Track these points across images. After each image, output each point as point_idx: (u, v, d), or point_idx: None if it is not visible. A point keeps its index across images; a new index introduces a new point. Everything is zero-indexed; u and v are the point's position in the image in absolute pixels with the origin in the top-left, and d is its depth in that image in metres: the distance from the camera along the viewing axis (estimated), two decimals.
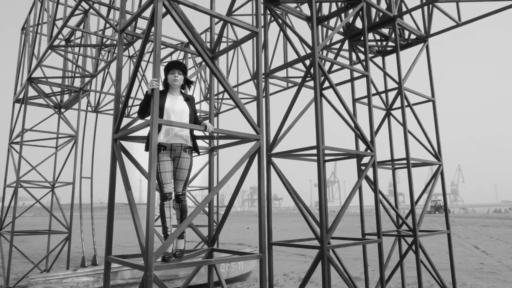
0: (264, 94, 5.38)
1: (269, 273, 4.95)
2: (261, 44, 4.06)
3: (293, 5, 6.03)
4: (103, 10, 10.46)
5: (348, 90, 7.01)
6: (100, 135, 12.74)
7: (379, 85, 6.91)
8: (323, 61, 6.58)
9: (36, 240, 19.55)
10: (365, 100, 6.84)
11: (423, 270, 6.96)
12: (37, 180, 9.45)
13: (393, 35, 6.70)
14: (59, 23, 7.24)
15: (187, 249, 3.97)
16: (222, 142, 4.85)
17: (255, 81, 3.93)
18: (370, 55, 6.90)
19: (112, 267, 7.00)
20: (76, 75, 9.74)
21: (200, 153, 3.95)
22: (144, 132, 3.54)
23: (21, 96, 9.69)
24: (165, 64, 3.82)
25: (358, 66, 7.99)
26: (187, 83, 3.83)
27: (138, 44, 10.55)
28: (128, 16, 6.63)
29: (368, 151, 5.22)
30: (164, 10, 5.53)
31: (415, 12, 6.57)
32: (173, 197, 3.55)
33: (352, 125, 5.27)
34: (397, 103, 6.99)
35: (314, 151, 4.94)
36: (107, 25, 8.39)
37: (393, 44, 7.03)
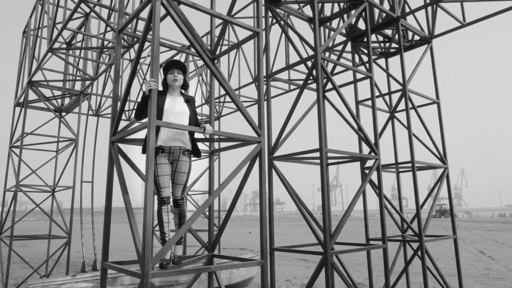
0: (265, 96, 5.29)
1: (271, 279, 4.83)
2: (262, 44, 3.96)
3: (295, 6, 5.95)
4: (104, 13, 10.42)
5: (351, 93, 6.92)
6: (101, 138, 12.67)
7: (382, 87, 6.80)
8: (325, 62, 6.48)
9: (37, 245, 19.46)
10: (368, 103, 6.73)
11: (429, 276, 6.81)
12: (37, 184, 9.37)
13: (396, 36, 6.61)
14: (60, 26, 7.18)
15: (188, 254, 3.86)
16: (223, 145, 4.76)
17: (257, 83, 3.85)
18: (373, 57, 6.80)
19: (112, 272, 6.88)
20: (77, 78, 9.68)
21: (201, 157, 3.84)
22: (142, 134, 3.44)
23: (21, 100, 9.63)
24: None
25: (361, 68, 7.89)
26: (184, 86, 3.71)
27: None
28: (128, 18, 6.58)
29: (372, 154, 5.11)
30: (164, 12, 5.48)
31: (418, 13, 6.48)
32: (171, 202, 3.44)
33: (356, 127, 5.15)
34: (401, 106, 6.88)
35: (317, 154, 4.83)
36: (108, 28, 8.33)
37: (397, 46, 6.93)
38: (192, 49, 5.49)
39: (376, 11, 6.50)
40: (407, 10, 6.41)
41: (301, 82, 8.33)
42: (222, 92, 10.97)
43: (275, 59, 8.35)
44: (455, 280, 6.56)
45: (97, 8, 8.44)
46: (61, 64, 10.03)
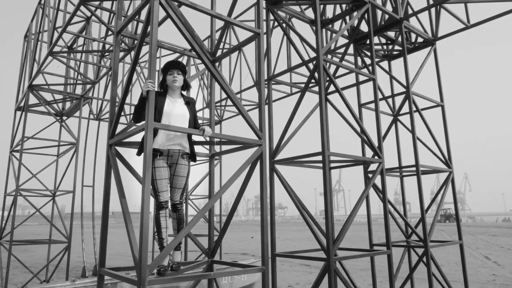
0: (266, 99, 5.21)
1: (273, 286, 4.71)
2: (263, 45, 3.88)
3: (297, 8, 5.89)
4: (106, 16, 10.40)
5: (353, 96, 6.83)
6: (102, 143, 12.61)
7: (385, 90, 6.77)
8: (327, 64, 6.40)
9: (38, 250, 19.38)
10: (371, 105, 6.64)
11: (434, 282, 6.67)
12: (38, 189, 9.31)
13: (399, 39, 6.53)
14: (60, 30, 7.15)
15: (190, 259, 3.76)
16: (224, 148, 4.68)
17: (258, 85, 3.80)
18: (376, 60, 6.72)
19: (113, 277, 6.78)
20: (78, 82, 9.64)
21: (197, 161, 3.75)
22: (141, 137, 3.35)
23: (22, 104, 9.60)
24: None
25: (364, 71, 7.81)
26: (185, 86, 3.62)
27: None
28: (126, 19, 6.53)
29: (376, 157, 5.01)
30: (164, 15, 5.43)
31: (422, 15, 6.40)
32: (169, 206, 3.34)
33: (359, 130, 5.06)
34: (405, 109, 6.78)
35: (319, 158, 4.74)
36: (109, 32, 8.30)
37: (400, 48, 6.85)
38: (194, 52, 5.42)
39: (379, 13, 6.43)
40: (410, 11, 6.33)
41: (303, 85, 8.26)
42: (224, 95, 10.91)
43: (276, 62, 8.30)
44: (461, 287, 6.42)
45: (98, 12, 8.44)
46: (62, 68, 10.02)
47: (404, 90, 6.07)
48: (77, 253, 14.30)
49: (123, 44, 7.18)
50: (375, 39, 6.76)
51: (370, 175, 6.07)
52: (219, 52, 4.95)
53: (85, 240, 10.99)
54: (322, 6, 6.31)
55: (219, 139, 4.08)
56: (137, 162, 3.78)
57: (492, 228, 35.82)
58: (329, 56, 7.18)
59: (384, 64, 7.25)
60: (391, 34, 6.67)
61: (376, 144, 5.03)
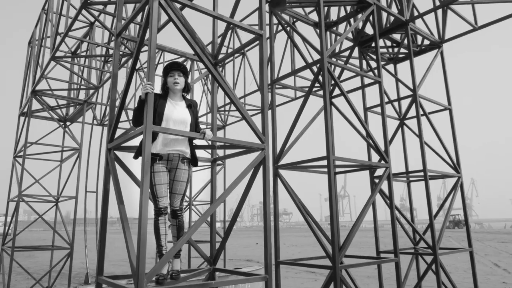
0: (270, 102, 5.12)
1: None
2: (266, 47, 3.79)
3: (301, 11, 5.81)
4: (109, 21, 10.40)
5: (358, 100, 6.72)
6: None
7: (390, 94, 6.59)
8: (332, 67, 6.30)
9: (42, 255, 19.33)
10: (377, 109, 6.52)
11: None
12: (41, 194, 9.26)
13: (405, 41, 6.41)
14: (62, 35, 7.13)
15: (193, 266, 3.64)
16: (227, 152, 4.58)
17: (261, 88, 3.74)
18: (381, 63, 6.61)
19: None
20: (80, 87, 9.62)
21: (199, 165, 3.65)
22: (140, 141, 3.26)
23: (26, 109, 9.59)
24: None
25: (369, 74, 7.71)
26: (186, 89, 3.53)
27: (143, 56, 10.44)
28: (126, 21, 6.48)
29: (382, 162, 4.88)
30: (166, 19, 5.37)
31: (428, 17, 6.29)
32: (168, 212, 3.24)
33: (364, 133, 4.94)
34: (411, 113, 6.65)
35: (324, 162, 4.62)
36: (113, 37, 8.27)
37: (405, 51, 6.73)
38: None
39: (384, 16, 6.33)
40: (416, 13, 6.23)
41: (307, 89, 8.16)
42: (227, 100, 10.83)
43: (280, 65, 8.21)
44: None
45: (102, 17, 8.43)
46: (66, 74, 10.00)
47: (410, 93, 5.94)
48: (81, 259, 14.22)
49: (126, 49, 7.13)
50: (380, 42, 6.65)
51: (377, 181, 5.94)
52: (222, 56, 4.85)
53: (89, 246, 10.92)
54: (326, 8, 6.23)
55: (221, 143, 3.98)
56: (137, 167, 3.69)
57: (501, 234, 35.27)
58: (334, 59, 7.08)
59: (390, 67, 7.13)
60: (397, 36, 6.56)
61: (382, 148, 4.90)
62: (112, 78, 3.68)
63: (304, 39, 5.20)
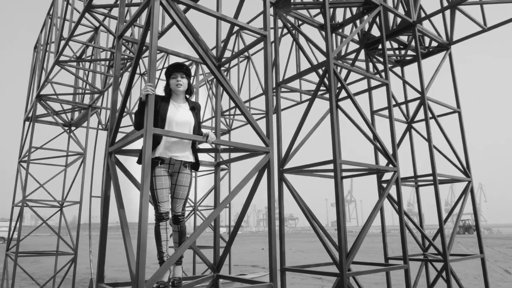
0: (275, 106, 5.02)
1: None
2: (270, 48, 3.71)
3: (306, 13, 5.72)
4: (114, 26, 10.42)
5: (365, 103, 6.60)
6: None
7: (398, 97, 6.51)
8: (338, 69, 6.20)
9: (47, 261, 19.31)
10: (384, 112, 6.40)
11: None
12: (45, 199, 9.23)
13: (412, 43, 6.30)
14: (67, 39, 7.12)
15: (197, 273, 3.53)
16: (231, 156, 4.49)
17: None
18: (388, 65, 6.50)
19: None
20: (85, 91, 9.62)
21: (203, 170, 3.55)
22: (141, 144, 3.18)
23: (31, 114, 9.60)
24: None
25: (376, 76, 7.61)
26: (189, 91, 3.45)
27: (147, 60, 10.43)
28: (127, 22, 6.44)
29: (390, 166, 4.75)
30: (170, 22, 5.32)
31: (435, 18, 6.18)
32: (170, 218, 3.14)
33: (371, 136, 4.82)
34: (419, 116, 6.52)
35: (330, 166, 4.51)
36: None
37: (413, 53, 6.62)
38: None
39: (390, 17, 6.23)
40: (423, 15, 6.12)
41: (312, 92, 8.06)
42: (232, 104, 10.77)
43: (286, 69, 8.12)
44: None
45: (107, 21, 8.42)
46: (71, 79, 10.01)
47: (418, 96, 5.82)
48: (86, 265, 14.15)
49: (130, 54, 7.10)
50: (387, 44, 6.55)
51: (384, 185, 5.81)
52: (226, 59, 4.78)
53: (93, 252, 10.84)
54: (331, 10, 6.15)
55: (225, 146, 3.90)
56: (140, 171, 3.61)
57: (510, 240, 34.69)
58: (340, 62, 6.99)
59: (397, 70, 7.02)
60: (404, 38, 6.45)
61: (390, 151, 4.78)
62: (114, 80, 3.61)
63: (309, 40, 5.11)
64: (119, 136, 10.74)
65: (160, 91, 3.37)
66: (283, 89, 7.21)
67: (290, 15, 5.32)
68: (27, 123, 9.97)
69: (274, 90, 5.21)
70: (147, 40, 3.17)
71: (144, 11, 3.29)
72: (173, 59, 10.55)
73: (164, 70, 9.82)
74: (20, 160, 9.59)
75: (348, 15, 6.21)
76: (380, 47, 6.16)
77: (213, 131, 10.60)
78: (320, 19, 7.33)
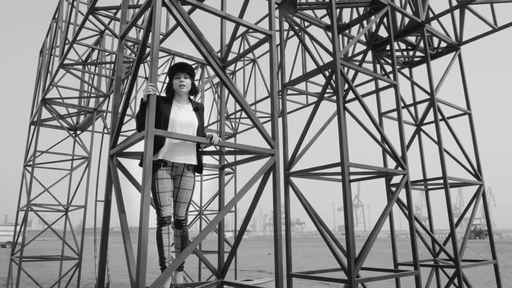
0: (281, 109, 4.93)
1: None
2: (275, 47, 3.62)
3: (312, 14, 5.64)
4: (118, 27, 10.43)
5: (372, 105, 6.48)
6: None
7: (406, 99, 6.35)
8: (345, 70, 6.09)
9: (53, 265, 19.31)
10: (392, 114, 6.27)
11: None
12: (50, 204, 9.20)
13: (421, 44, 6.18)
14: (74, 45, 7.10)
15: (203, 278, 3.43)
16: (237, 159, 4.40)
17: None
18: (397, 66, 6.38)
19: None
20: (90, 95, 9.61)
21: (207, 173, 3.46)
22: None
23: (36, 118, 9.60)
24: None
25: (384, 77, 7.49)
26: (193, 91, 3.35)
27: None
28: (129, 22, 6.40)
29: (399, 169, 4.62)
30: (174, 23, 5.26)
31: (444, 18, 6.05)
32: (172, 222, 3.04)
33: (379, 138, 4.70)
34: (429, 118, 6.37)
35: (338, 169, 4.39)
36: None
37: (421, 54, 6.49)
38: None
39: (398, 18, 6.12)
40: (432, 15, 6.00)
41: (319, 94, 7.94)
42: (238, 107, 10.68)
43: (292, 71, 8.03)
44: None
45: (112, 24, 8.41)
46: (77, 82, 10.02)
47: (427, 97, 5.68)
48: (92, 269, 14.11)
49: (134, 56, 7.06)
50: (395, 45, 6.43)
51: (393, 189, 5.66)
52: (230, 59, 4.69)
53: (98, 256, 10.78)
54: (338, 10, 6.05)
55: (230, 149, 3.80)
56: (140, 174, 3.53)
57: None
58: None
59: (405, 71, 6.89)
60: (412, 39, 6.33)
61: (399, 154, 4.65)
62: (116, 82, 3.54)
63: (316, 41, 5.02)
64: (122, 139, 10.69)
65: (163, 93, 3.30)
66: (289, 92, 7.12)
67: (296, 15, 5.23)
68: (32, 127, 9.97)
69: (280, 92, 5.11)
70: (150, 40, 3.10)
71: (146, 11, 3.22)
72: (178, 61, 10.50)
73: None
74: (25, 164, 9.58)
75: (355, 15, 6.11)
76: (387, 48, 6.05)
77: (218, 134, 10.52)
78: (326, 20, 7.25)
